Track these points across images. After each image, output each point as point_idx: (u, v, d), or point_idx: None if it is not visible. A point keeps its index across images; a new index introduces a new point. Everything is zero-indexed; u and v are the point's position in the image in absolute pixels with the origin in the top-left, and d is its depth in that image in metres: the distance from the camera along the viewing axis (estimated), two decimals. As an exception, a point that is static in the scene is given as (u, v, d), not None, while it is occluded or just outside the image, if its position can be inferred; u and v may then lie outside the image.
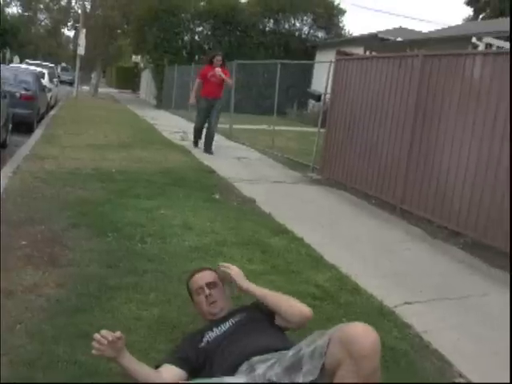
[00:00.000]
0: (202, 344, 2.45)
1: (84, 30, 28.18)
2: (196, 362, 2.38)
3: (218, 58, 10.32)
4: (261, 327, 2.49)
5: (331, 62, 8.94)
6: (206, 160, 9.26)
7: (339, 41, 24.73)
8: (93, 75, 33.67)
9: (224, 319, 2.57)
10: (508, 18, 22.42)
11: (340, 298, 3.62)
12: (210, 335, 2.48)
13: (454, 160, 5.91)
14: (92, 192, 5.96)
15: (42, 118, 14.60)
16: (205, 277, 2.74)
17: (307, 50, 26.49)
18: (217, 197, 6.19)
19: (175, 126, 14.83)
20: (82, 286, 3.28)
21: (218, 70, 10.09)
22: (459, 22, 32.51)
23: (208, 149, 10.37)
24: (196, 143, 11.00)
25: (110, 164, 7.84)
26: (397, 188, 6.77)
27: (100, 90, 34.52)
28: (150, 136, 12.48)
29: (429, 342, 3.25)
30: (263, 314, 2.57)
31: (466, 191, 5.73)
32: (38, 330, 2.70)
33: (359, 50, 20.39)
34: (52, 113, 16.73)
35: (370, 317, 3.38)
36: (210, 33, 26.91)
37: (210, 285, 2.68)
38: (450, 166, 5.96)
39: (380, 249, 5.11)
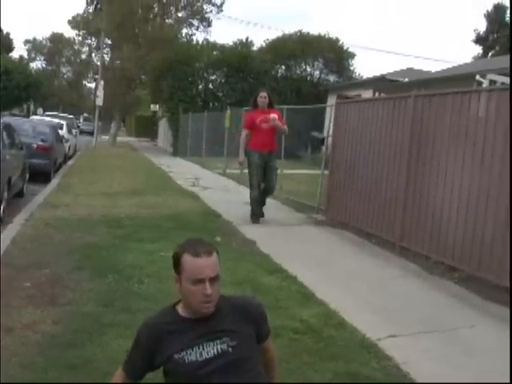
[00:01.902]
0: (175, 357, 2.19)
1: (102, 82, 29.18)
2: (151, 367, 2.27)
3: (263, 95, 7.97)
4: (250, 370, 2.21)
5: (332, 105, 9.25)
6: (215, 204, 9.52)
7: (349, 84, 25.23)
8: (112, 125, 34.57)
9: (208, 332, 2.22)
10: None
11: (323, 332, 3.77)
12: (188, 354, 2.18)
13: (448, 196, 6.09)
14: (99, 237, 6.23)
15: (59, 167, 15.10)
16: (210, 267, 2.21)
17: (319, 94, 27.02)
18: (218, 239, 6.40)
19: (188, 173, 15.23)
20: (76, 323, 3.51)
21: (274, 118, 7.85)
22: (469, 60, 32.86)
23: (255, 216, 8.16)
24: (257, 216, 8.19)
25: (119, 210, 8.15)
26: (395, 225, 6.93)
27: (119, 138, 35.43)
28: (162, 183, 12.83)
29: (407, 373, 3.38)
30: (253, 345, 2.32)
31: (460, 226, 5.87)
32: (31, 362, 2.93)
33: (368, 93, 20.80)
34: (70, 162, 17.29)
35: (350, 349, 3.54)
36: (223, 80, 27.63)
37: (212, 280, 2.21)
38: (445, 202, 6.13)
39: (373, 285, 5.26)
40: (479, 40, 33.81)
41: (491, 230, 5.45)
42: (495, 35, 32.78)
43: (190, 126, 23.85)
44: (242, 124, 8.63)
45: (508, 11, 32.59)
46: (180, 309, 2.31)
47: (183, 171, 16.38)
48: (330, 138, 9.53)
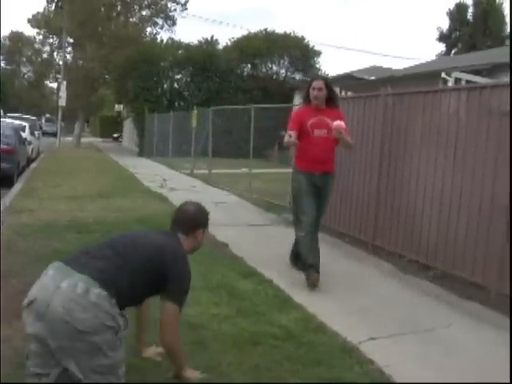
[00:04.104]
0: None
1: (65, 82, 28.66)
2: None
3: (316, 86, 5.24)
4: None
5: (301, 104, 9.17)
6: (184, 206, 9.36)
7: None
8: (76, 125, 34.00)
9: None
10: (478, 52, 23.13)
11: (303, 338, 3.70)
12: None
13: (420, 194, 6.09)
14: (67, 243, 6.03)
15: (22, 171, 14.72)
16: None
17: (285, 93, 27.02)
18: (189, 243, 6.27)
19: (155, 174, 15.04)
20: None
21: (339, 127, 4.99)
22: (433, 57, 33.34)
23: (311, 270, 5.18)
24: (314, 269, 5.13)
25: (87, 214, 7.93)
26: (368, 225, 6.91)
27: (84, 139, 34.88)
28: (129, 184, 12.61)
29: (389, 375, 3.33)
30: None
31: (433, 224, 5.88)
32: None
33: (335, 90, 20.89)
34: (33, 165, 16.87)
35: (332, 354, 3.48)
36: (188, 80, 27.44)
37: None
38: (417, 201, 6.13)
39: (349, 286, 5.22)
40: (442, 38, 34.35)
41: (464, 228, 5.46)
42: (458, 33, 33.34)
43: (156, 125, 23.63)
44: (288, 125, 5.36)
45: (470, 9, 33.26)
46: None
47: (150, 172, 16.16)
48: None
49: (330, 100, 5.32)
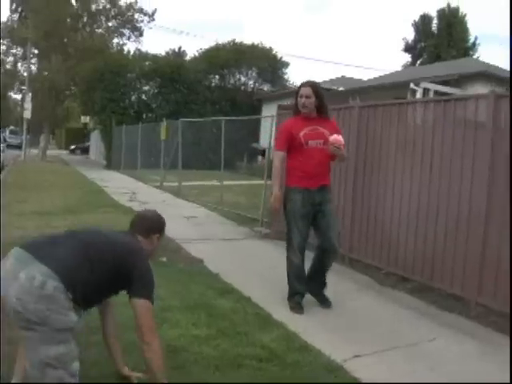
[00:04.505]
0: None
1: (30, 94, 28.12)
2: None
3: (304, 93, 4.74)
4: None
5: (272, 116, 9.13)
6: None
7: (284, 93, 25.35)
8: (41, 138, 33.38)
9: None
10: (443, 63, 23.50)
11: (287, 358, 3.58)
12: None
13: (397, 206, 6.05)
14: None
15: (-14, 185, 14.30)
16: None
17: (254, 104, 27.04)
18: (163, 260, 6.10)
19: (124, 187, 14.78)
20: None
21: (335, 141, 4.55)
22: (399, 68, 33.82)
23: (321, 294, 5.03)
24: (299, 296, 4.89)
25: (54, 231, 7.66)
26: (344, 237, 6.83)
27: (49, 152, 34.22)
28: (98, 199, 12.33)
29: (376, 395, 3.25)
30: None
31: (410, 236, 5.84)
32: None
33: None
34: (-3, 179, 16.42)
35: (318, 374, 3.37)
36: (156, 91, 27.19)
37: None
38: (394, 213, 6.09)
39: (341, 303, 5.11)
40: (408, 49, 34.87)
41: (442, 239, 5.44)
42: (423, 44, 33.89)
43: (124, 137, 23.32)
44: (275, 141, 5.28)
45: (434, 21, 33.85)
46: None
47: (119, 185, 15.90)
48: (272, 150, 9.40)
49: (321, 108, 4.81)
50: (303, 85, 4.84)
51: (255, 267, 6.36)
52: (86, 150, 44.61)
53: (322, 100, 4.80)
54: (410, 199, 5.85)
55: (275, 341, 3.86)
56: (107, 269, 2.70)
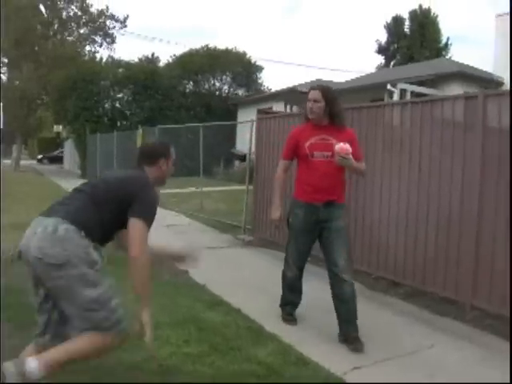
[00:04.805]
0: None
1: (1, 103, 27.55)
2: None
3: (312, 97, 4.22)
4: None
5: (252, 121, 8.98)
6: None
7: (259, 97, 25.22)
8: (13, 148, 32.78)
9: None
10: (418, 63, 23.62)
11: (285, 373, 3.41)
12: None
13: (385, 210, 5.93)
14: (16, 279, 5.51)
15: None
16: None
17: (229, 109, 26.84)
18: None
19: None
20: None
21: (341, 151, 3.98)
22: (372, 69, 33.98)
23: (352, 337, 4.10)
24: (291, 306, 4.68)
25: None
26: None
27: (22, 162, 33.58)
28: (75, 209, 11.99)
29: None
30: None
31: (400, 239, 5.73)
32: None
33: (280, 105, 20.84)
34: (-31, 192, 15.97)
35: (319, 390, 3.20)
36: (130, 98, 26.85)
37: None
38: (382, 216, 5.97)
39: (321, 310, 4.93)
40: (381, 50, 35.06)
41: (433, 242, 5.33)
42: (395, 46, 34.10)
43: (99, 146, 22.96)
44: (282, 152, 4.61)
45: (406, 22, 34.12)
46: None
47: (95, 195, 15.53)
48: (252, 155, 9.25)
49: (334, 115, 4.21)
50: (312, 88, 4.30)
51: (242, 277, 6.18)
52: (53, 159, 44.17)
53: (334, 105, 4.20)
54: (399, 201, 5.74)
55: (271, 355, 3.69)
56: (114, 206, 2.83)
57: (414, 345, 4.17)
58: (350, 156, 3.97)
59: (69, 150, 35.40)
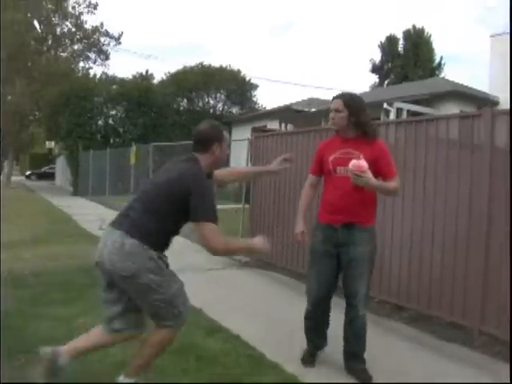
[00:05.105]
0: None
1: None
2: None
3: (334, 107, 3.76)
4: None
5: (249, 139, 8.83)
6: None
7: (254, 115, 25.14)
8: (5, 163, 32.48)
9: None
10: (413, 83, 23.63)
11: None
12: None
13: (388, 231, 5.74)
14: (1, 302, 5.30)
15: None
16: None
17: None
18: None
19: (93, 214, 14.22)
20: None
21: (354, 165, 3.49)
22: (367, 88, 34.01)
23: (360, 369, 3.85)
24: (313, 349, 4.16)
25: (23, 265, 7.17)
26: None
27: (13, 178, 33.28)
28: (66, 228, 11.79)
29: None
30: None
31: (404, 262, 5.54)
32: None
33: (275, 123, 20.73)
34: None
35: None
36: (123, 115, 26.73)
37: None
38: (385, 238, 5.76)
39: (328, 337, 4.74)
40: (375, 69, 35.16)
41: (439, 264, 5.15)
42: (389, 65, 34.21)
43: (91, 163, 22.75)
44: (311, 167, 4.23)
45: (400, 42, 34.30)
46: (205, 170, 3.18)
47: (87, 213, 15.34)
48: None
49: (360, 126, 3.73)
50: (334, 97, 3.85)
51: (239, 300, 5.97)
52: (41, 176, 43.95)
53: (360, 115, 3.71)
54: (403, 220, 5.56)
55: (275, 386, 3.48)
56: (169, 207, 3.01)
57: (422, 374, 3.95)
58: (367, 174, 3.46)
59: (61, 167, 35.15)
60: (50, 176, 43.02)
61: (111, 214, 12.07)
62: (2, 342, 4.01)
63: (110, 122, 27.23)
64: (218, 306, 5.49)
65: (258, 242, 3.17)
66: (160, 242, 3.05)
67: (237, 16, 72.88)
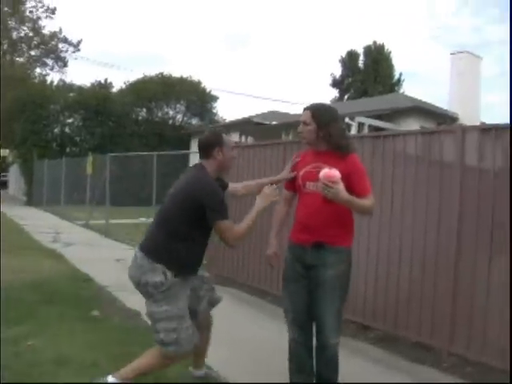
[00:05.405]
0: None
1: None
2: None
3: (302, 117, 3.48)
4: None
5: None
6: (83, 264, 8.34)
7: (214, 127, 24.90)
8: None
9: None
10: (375, 98, 23.84)
11: None
12: None
13: (353, 249, 5.56)
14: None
15: None
16: None
17: (182, 138, 26.35)
18: (96, 314, 5.34)
19: (46, 226, 13.73)
20: None
21: (326, 173, 3.10)
22: (327, 102, 34.24)
23: None
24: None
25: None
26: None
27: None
28: (19, 239, 11.28)
29: None
30: None
31: (370, 280, 5.39)
32: None
33: (235, 136, 20.54)
34: None
35: None
36: (81, 124, 26.14)
37: None
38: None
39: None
40: (335, 84, 35.45)
41: (407, 283, 5.01)
42: (350, 80, 34.56)
43: (46, 172, 22.11)
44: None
45: (361, 57, 34.70)
46: (212, 175, 3.35)
47: (40, 224, 14.79)
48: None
49: (329, 140, 3.39)
50: (304, 108, 3.55)
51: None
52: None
53: (330, 129, 3.37)
54: (369, 236, 5.40)
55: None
56: (184, 213, 3.18)
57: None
58: (338, 186, 3.08)
59: (15, 175, 34.15)
60: (3, 185, 41.74)
61: (66, 226, 11.74)
62: None
63: (67, 130, 26.60)
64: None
65: (260, 200, 3.35)
66: (173, 257, 3.18)
67: (195, 27, 72.99)
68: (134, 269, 3.27)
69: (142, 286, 3.21)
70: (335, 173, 3.10)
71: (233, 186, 3.82)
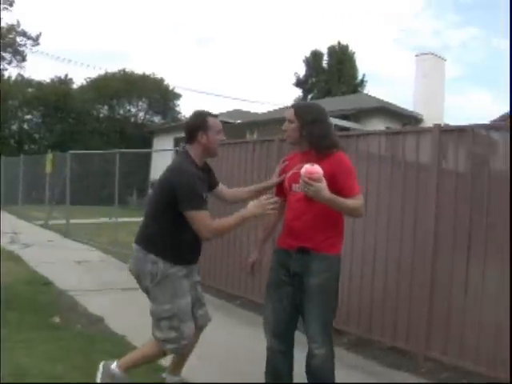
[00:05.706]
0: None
1: None
2: None
3: (286, 115, 3.30)
4: None
5: (176, 149, 8.35)
6: (41, 267, 7.99)
7: (176, 125, 24.57)
8: None
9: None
10: (340, 97, 23.90)
11: None
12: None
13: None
14: None
15: None
16: None
17: (144, 136, 25.93)
18: (56, 320, 5.05)
19: (3, 226, 13.17)
20: None
21: (308, 169, 2.85)
22: (290, 102, 34.24)
23: None
24: None
25: None
26: (263, 286, 6.11)
27: None
28: (-29, 241, 10.77)
29: None
30: None
31: (343, 282, 5.19)
32: None
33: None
34: None
35: None
36: (40, 120, 25.47)
37: None
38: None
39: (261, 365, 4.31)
40: (299, 83, 35.40)
41: (381, 286, 4.89)
42: (314, 79, 34.56)
43: (3, 170, 21.43)
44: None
45: (325, 57, 34.75)
46: (197, 160, 3.26)
47: (-4, 223, 14.23)
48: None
49: (312, 139, 3.18)
50: (289, 106, 3.44)
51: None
52: None
53: (314, 127, 3.17)
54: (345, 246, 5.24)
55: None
56: (161, 209, 3.16)
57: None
58: (321, 183, 2.85)
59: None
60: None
61: (24, 226, 11.29)
62: None
63: (25, 127, 25.89)
64: (143, 332, 4.84)
65: (253, 206, 3.12)
66: (162, 245, 3.13)
67: (160, 25, 71.94)
68: (132, 263, 3.26)
69: (140, 280, 3.21)
70: (317, 169, 2.86)
71: (223, 189, 3.66)
